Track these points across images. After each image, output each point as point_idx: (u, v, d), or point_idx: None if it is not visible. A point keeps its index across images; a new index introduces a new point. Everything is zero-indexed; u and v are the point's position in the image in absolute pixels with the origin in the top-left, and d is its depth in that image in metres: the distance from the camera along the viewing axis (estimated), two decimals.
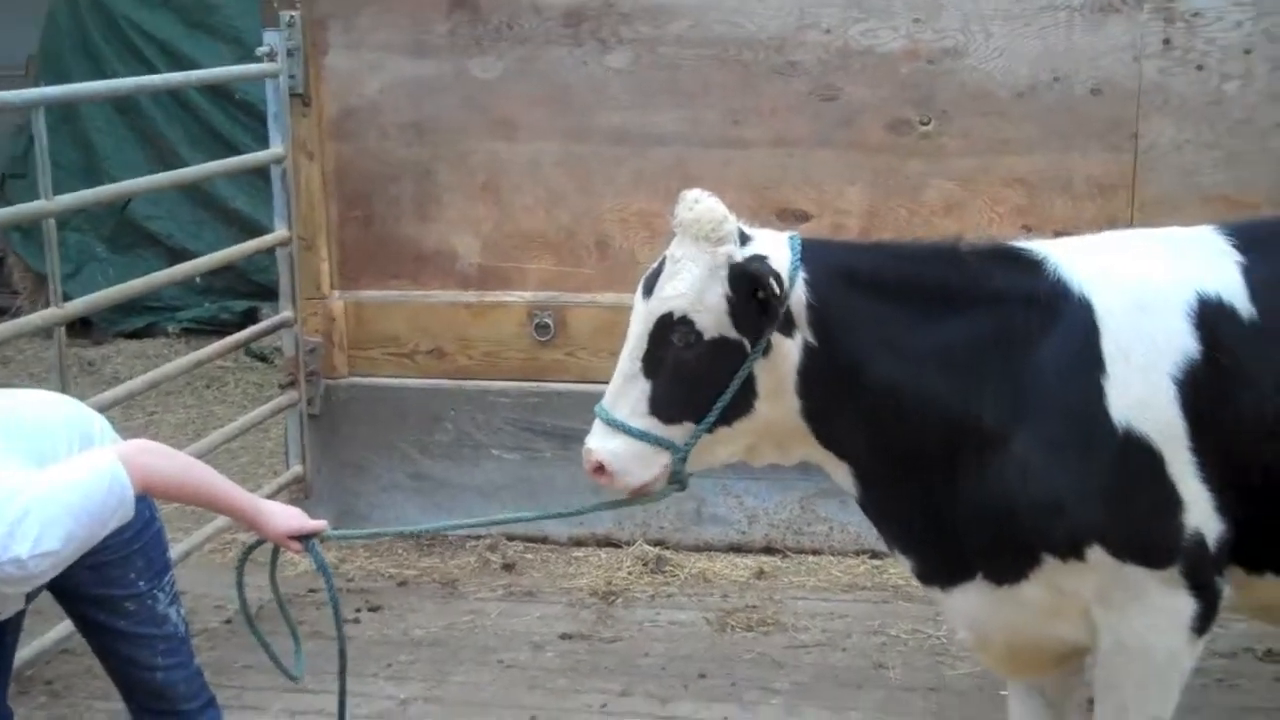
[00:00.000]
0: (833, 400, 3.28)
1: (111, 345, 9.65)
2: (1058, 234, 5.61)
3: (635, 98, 6.07)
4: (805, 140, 5.93)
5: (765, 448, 3.42)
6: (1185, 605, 3.20)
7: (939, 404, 3.22)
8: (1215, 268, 3.25)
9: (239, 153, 8.19)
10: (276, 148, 6.26)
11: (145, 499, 3.51)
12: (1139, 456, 3.13)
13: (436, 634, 5.50)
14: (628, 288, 6.05)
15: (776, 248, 3.29)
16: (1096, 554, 3.16)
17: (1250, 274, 3.22)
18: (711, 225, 3.22)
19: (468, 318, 6.33)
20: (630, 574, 5.91)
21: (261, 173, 7.01)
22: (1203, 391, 3.13)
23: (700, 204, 3.25)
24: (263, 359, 9.02)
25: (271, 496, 6.25)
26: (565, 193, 6.20)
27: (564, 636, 5.41)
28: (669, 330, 3.24)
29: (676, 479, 3.33)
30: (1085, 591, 3.22)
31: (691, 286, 3.22)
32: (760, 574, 5.87)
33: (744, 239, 3.29)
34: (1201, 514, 3.15)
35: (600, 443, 3.30)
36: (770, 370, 3.26)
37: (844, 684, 4.97)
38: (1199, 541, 3.16)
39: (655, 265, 3.35)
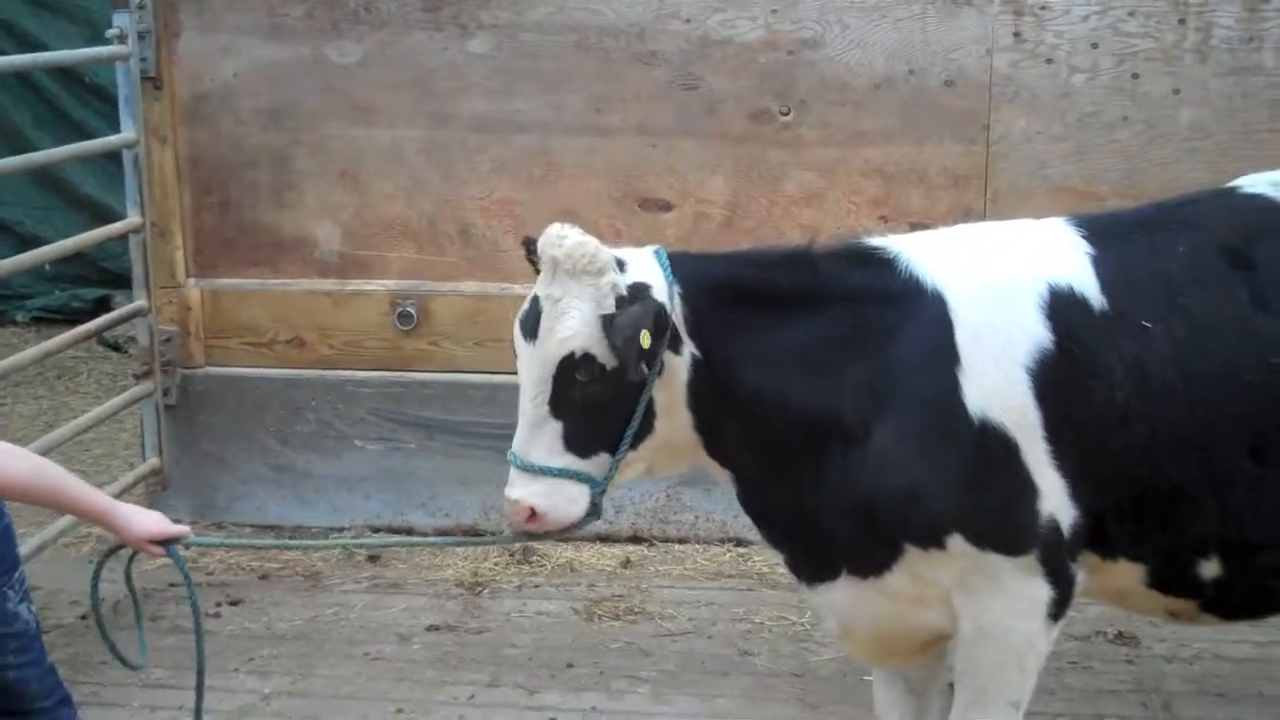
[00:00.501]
0: (716, 410, 3.35)
1: None
2: (914, 225, 5.76)
3: (497, 84, 6.04)
4: (668, 129, 5.96)
5: (662, 463, 3.48)
6: (1042, 591, 3.29)
7: (801, 405, 3.29)
8: (1066, 259, 3.33)
9: (90, 137, 7.96)
10: (128, 132, 6.11)
11: None
12: (994, 445, 3.21)
13: (300, 627, 5.44)
14: (491, 276, 6.15)
15: (650, 269, 3.32)
16: (956, 542, 3.24)
17: (1100, 265, 3.31)
18: (587, 259, 3.22)
19: (328, 306, 6.25)
20: (497, 565, 5.89)
21: (113, 158, 6.84)
22: (1055, 381, 3.21)
23: (568, 239, 3.25)
24: (116, 349, 8.80)
25: (128, 489, 6.15)
26: (427, 180, 6.15)
27: (430, 628, 5.38)
28: (573, 369, 3.25)
29: (594, 509, 3.37)
30: (946, 580, 3.29)
31: (585, 323, 3.22)
32: (627, 563, 5.90)
33: (620, 264, 3.30)
34: (1056, 501, 3.23)
35: (524, 489, 3.31)
36: (664, 388, 3.31)
37: (710, 671, 5.02)
38: (1054, 528, 3.24)
39: (527, 306, 3.33)
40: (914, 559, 3.28)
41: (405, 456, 6.21)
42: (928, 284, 3.29)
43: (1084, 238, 3.38)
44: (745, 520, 5.84)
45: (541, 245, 3.29)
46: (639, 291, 3.25)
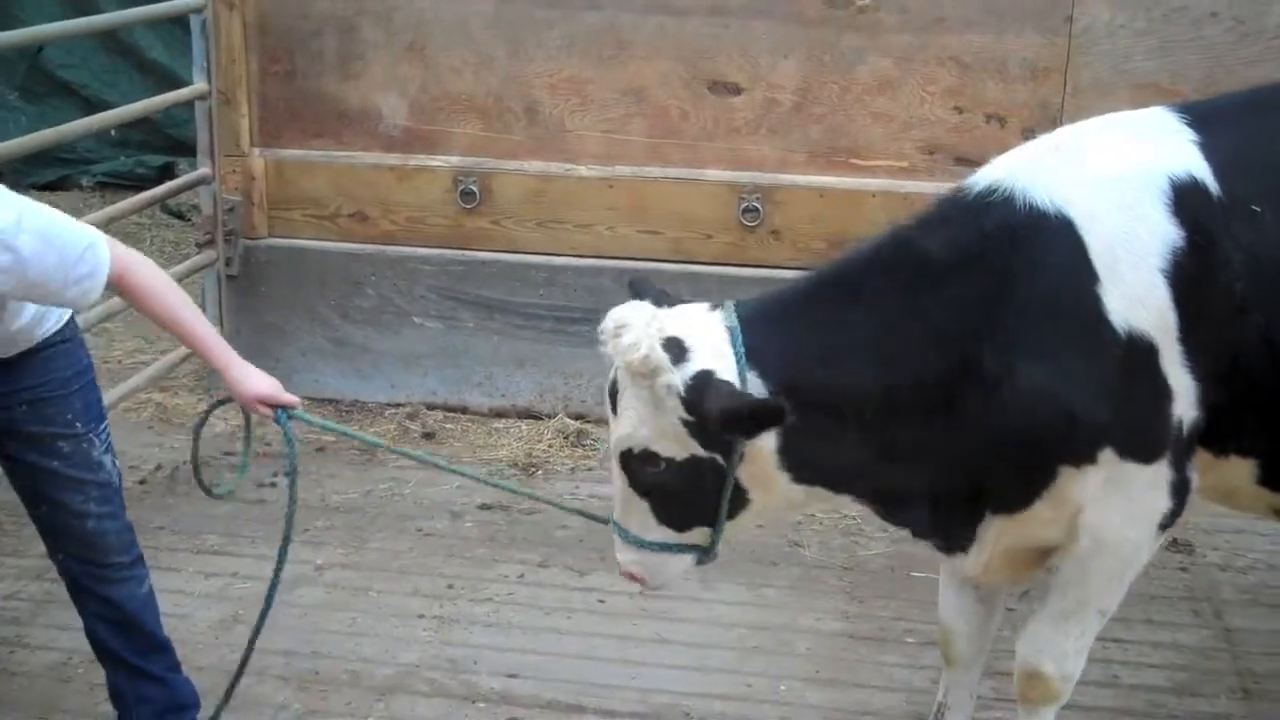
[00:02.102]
0: (825, 455, 3.21)
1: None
2: (989, 117, 5.62)
3: None
4: (741, 10, 5.83)
5: (782, 511, 3.52)
6: (1162, 501, 3.22)
7: (936, 386, 3.13)
8: (1178, 149, 3.21)
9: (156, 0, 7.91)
10: None
11: (83, 346, 3.57)
12: (1139, 352, 3.11)
13: (354, 500, 5.49)
14: (556, 156, 6.07)
15: (715, 348, 3.12)
16: (1106, 454, 3.16)
17: (1209, 151, 3.20)
18: (640, 366, 3.08)
19: (392, 181, 6.21)
20: (550, 446, 5.90)
21: (180, 22, 6.78)
22: (1188, 279, 3.11)
23: (621, 340, 3.11)
24: (180, 216, 8.82)
25: (187, 357, 6.20)
26: (494, 55, 6.06)
27: (482, 507, 5.41)
28: (638, 463, 3.20)
29: (704, 561, 3.42)
30: (1085, 495, 3.20)
31: (641, 422, 3.13)
32: None
33: (680, 351, 3.10)
34: (1185, 404, 3.16)
35: (625, 556, 3.37)
36: (750, 468, 3.19)
37: (759, 560, 5.02)
38: (1180, 431, 3.17)
39: (611, 376, 3.22)
40: (1066, 480, 3.18)
41: (463, 335, 6.21)
42: (1050, 210, 3.13)
43: (1187, 124, 3.26)
44: None
45: (602, 335, 3.18)
46: (701, 382, 3.07)
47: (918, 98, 5.78)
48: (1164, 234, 3.12)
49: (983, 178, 3.24)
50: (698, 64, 5.89)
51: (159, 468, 5.70)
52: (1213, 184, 3.16)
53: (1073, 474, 3.19)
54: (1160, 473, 3.20)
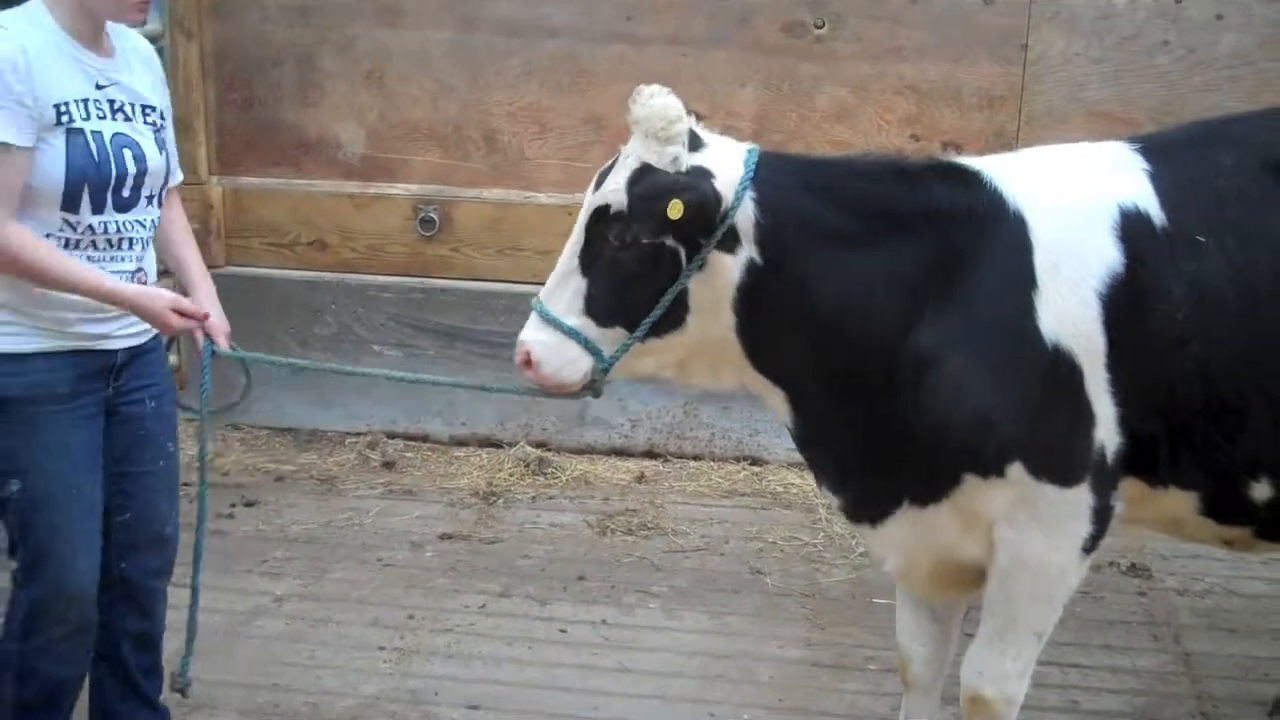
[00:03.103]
0: (775, 320, 3.21)
1: None
2: (945, 145, 5.66)
3: None
4: (700, 39, 5.86)
5: (697, 366, 3.35)
6: (1082, 525, 3.24)
7: (884, 325, 3.17)
8: (1130, 179, 3.26)
9: None
10: (153, 25, 6.01)
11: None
12: (1063, 371, 3.14)
13: (314, 531, 5.46)
14: (516, 184, 6.08)
15: (728, 161, 3.19)
16: (1016, 470, 3.18)
17: (1157, 182, 3.25)
18: (662, 123, 3.11)
19: (351, 209, 6.21)
20: (511, 475, 5.89)
21: None
22: (1123, 305, 3.15)
23: (655, 100, 3.13)
24: None
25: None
26: (453, 83, 6.07)
27: (444, 536, 5.39)
28: (605, 225, 3.15)
29: (594, 387, 3.27)
30: (993, 511, 3.24)
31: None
32: (641, 478, 5.90)
33: (696, 144, 3.18)
34: (1106, 430, 3.18)
35: (532, 334, 3.22)
36: (706, 285, 3.18)
37: (721, 589, 5.02)
38: (1102, 457, 3.19)
39: (610, 161, 3.25)
40: (970, 488, 3.21)
41: (424, 363, 6.19)
42: (1010, 204, 3.20)
43: (1140, 154, 3.32)
44: (761, 439, 5.96)
45: (632, 102, 3.17)
46: (697, 174, 3.13)
47: (875, 125, 5.83)
48: (1107, 259, 3.16)
49: (969, 160, 3.34)
50: None
51: None
52: (1159, 215, 3.20)
53: (979, 484, 3.20)
54: (1080, 497, 3.21)
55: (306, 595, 4.96)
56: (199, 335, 3.59)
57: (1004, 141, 5.66)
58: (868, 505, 3.37)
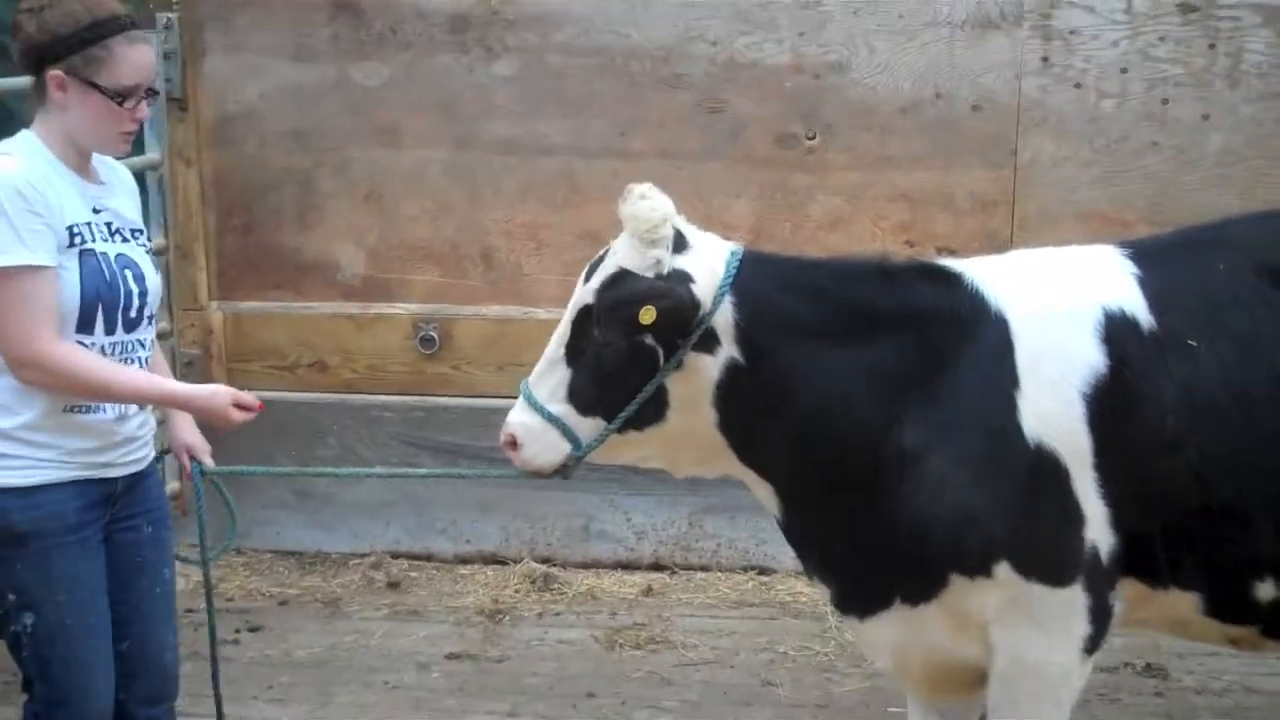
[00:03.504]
0: (756, 417, 3.26)
1: None
2: (940, 250, 5.71)
3: (522, 106, 6.02)
4: (693, 153, 5.92)
5: (683, 458, 3.41)
6: (1081, 624, 3.22)
7: (866, 424, 3.21)
8: (1117, 282, 3.29)
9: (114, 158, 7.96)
10: (153, 154, 6.10)
11: None
12: (1047, 471, 3.15)
13: (319, 654, 5.39)
14: (514, 300, 6.11)
15: (710, 263, 3.25)
16: (1003, 570, 3.17)
17: (1147, 286, 3.28)
18: (647, 226, 3.19)
19: (351, 330, 6.23)
20: (517, 592, 5.85)
21: (137, 179, 6.82)
22: (1109, 406, 3.16)
23: (642, 201, 3.21)
24: None
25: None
26: (451, 203, 6.13)
27: (450, 656, 5.33)
28: (589, 323, 3.23)
29: (564, 471, 3.34)
30: (985, 612, 3.23)
31: None
32: (649, 591, 5.85)
33: (681, 245, 3.24)
34: (1098, 529, 3.18)
35: (516, 417, 3.32)
36: (685, 383, 3.23)
37: (733, 701, 4.96)
38: (1095, 557, 3.18)
39: (602, 251, 3.32)
40: (959, 589, 3.21)
41: (426, 482, 6.17)
42: (991, 306, 3.25)
43: (1130, 259, 3.35)
44: (768, 548, 5.92)
45: (621, 198, 3.25)
46: (676, 279, 3.18)
47: (869, 233, 5.87)
48: (1090, 360, 3.18)
49: (952, 262, 3.39)
50: None
51: None
52: (1146, 318, 3.23)
53: (966, 585, 3.20)
54: (1074, 597, 3.19)
55: None
56: (185, 460, 3.67)
57: (998, 245, 5.68)
58: (856, 600, 3.36)
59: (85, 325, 3.30)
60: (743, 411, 3.25)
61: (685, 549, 6.06)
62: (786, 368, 3.22)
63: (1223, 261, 3.33)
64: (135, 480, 3.50)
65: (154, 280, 3.47)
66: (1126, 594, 3.28)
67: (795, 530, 3.41)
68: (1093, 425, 3.15)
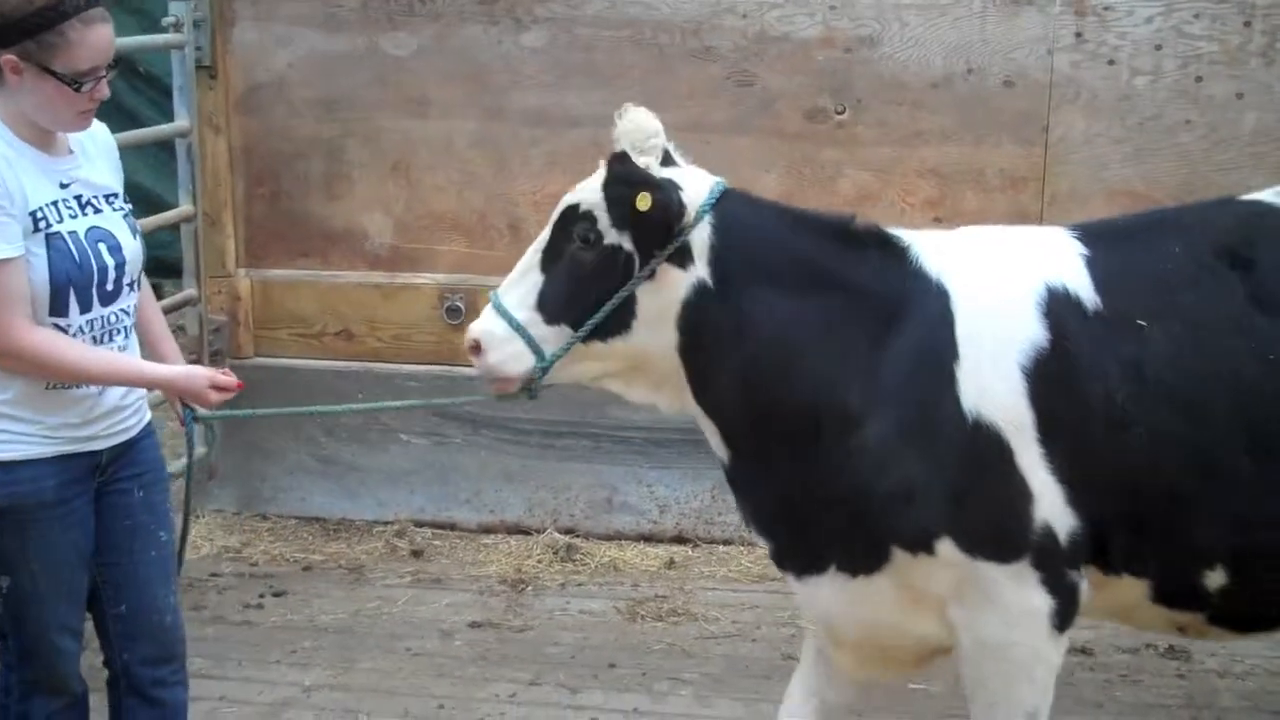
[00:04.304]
0: (714, 347, 3.28)
1: None
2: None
3: (551, 78, 6.01)
4: (722, 126, 5.90)
5: (640, 381, 3.41)
6: (1040, 601, 3.19)
7: (813, 374, 3.23)
8: (1063, 261, 3.28)
9: (141, 126, 7.97)
10: (182, 121, 6.11)
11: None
12: (987, 447, 3.13)
13: (342, 620, 5.42)
14: None
15: (696, 183, 3.32)
16: (946, 548, 3.16)
17: (1095, 266, 3.26)
18: (641, 136, 3.29)
19: (377, 299, 6.24)
20: (540, 562, 5.86)
21: (165, 147, 6.85)
22: (1051, 382, 3.14)
23: (635, 116, 3.32)
24: None
25: (174, 478, 6.15)
26: (479, 173, 6.13)
27: (473, 625, 5.36)
28: (572, 223, 3.29)
29: (531, 389, 3.36)
30: (939, 589, 3.21)
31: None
32: (671, 564, 5.86)
33: (669, 162, 3.34)
34: (1051, 507, 3.14)
35: (483, 324, 3.36)
36: (655, 296, 3.26)
37: (754, 674, 4.96)
38: (1048, 535, 3.15)
39: (570, 194, 3.38)
40: (903, 564, 3.20)
41: (451, 451, 6.19)
42: (934, 279, 3.25)
43: (1080, 240, 3.34)
44: None
45: (616, 117, 3.35)
46: (666, 183, 3.26)
47: (898, 209, 5.85)
48: (1030, 334, 3.16)
49: (904, 233, 3.38)
50: None
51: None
52: (1092, 297, 3.20)
53: (909, 561, 3.19)
54: (1026, 573, 3.16)
55: (336, 685, 4.92)
56: (178, 404, 3.63)
57: (1028, 222, 5.66)
58: (793, 559, 3.37)
59: (58, 308, 3.30)
60: (703, 338, 3.28)
61: (708, 522, 6.06)
62: (748, 302, 3.25)
63: (1179, 244, 3.30)
64: (125, 447, 3.51)
65: (133, 247, 3.45)
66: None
67: (738, 479, 3.41)
68: (1034, 400, 3.12)
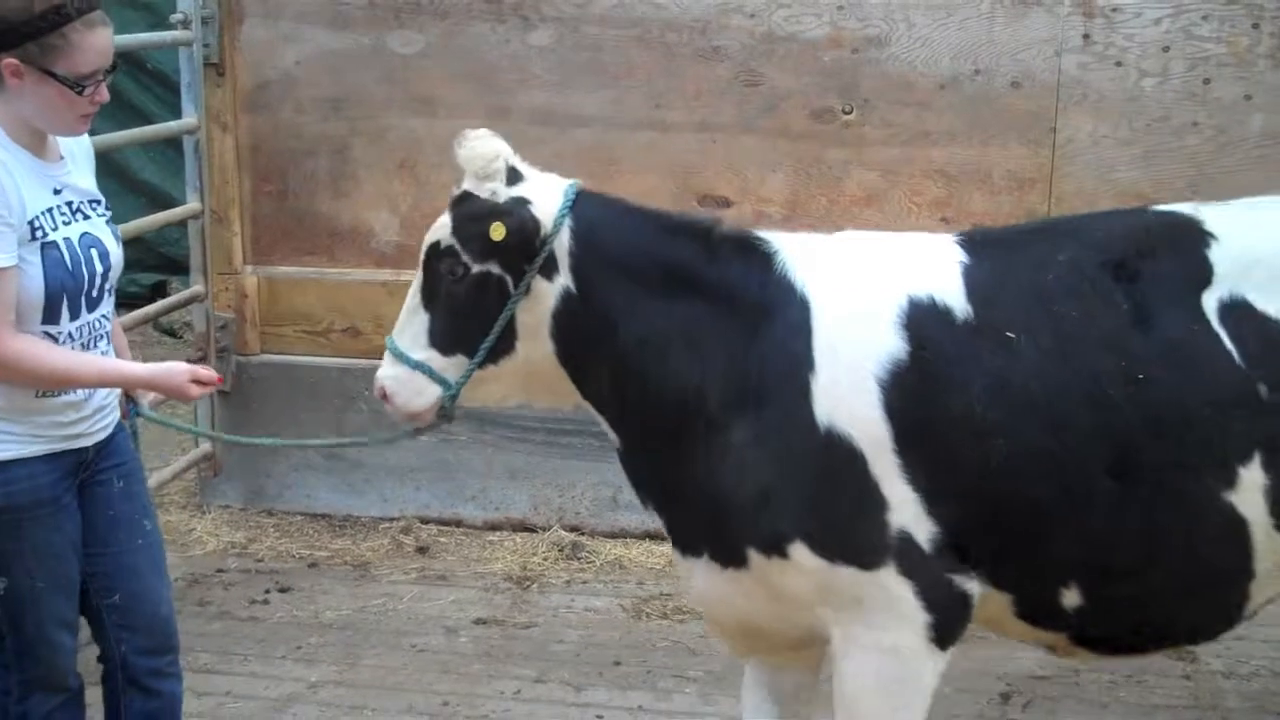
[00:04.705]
0: (585, 350, 3.32)
1: None
2: (976, 226, 5.67)
3: (558, 77, 6.01)
4: (729, 126, 5.91)
5: (537, 389, 3.45)
6: (910, 609, 3.15)
7: (677, 382, 3.24)
8: (936, 270, 3.24)
9: (149, 123, 8.00)
10: (189, 118, 6.14)
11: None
12: (840, 456, 3.11)
13: (348, 617, 5.43)
14: None
15: (547, 194, 3.32)
16: (800, 553, 3.15)
17: (971, 275, 3.22)
18: (481, 162, 3.30)
19: (383, 296, 6.23)
20: (546, 559, 5.87)
21: (173, 144, 6.88)
22: (909, 394, 3.11)
23: (473, 141, 3.32)
24: (172, 334, 8.85)
25: (180, 474, 6.20)
26: None
27: (478, 621, 5.36)
28: (438, 261, 3.31)
29: (445, 413, 3.39)
30: (800, 590, 3.20)
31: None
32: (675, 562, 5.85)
33: (515, 179, 3.33)
34: (909, 516, 3.11)
35: (385, 370, 3.40)
36: (529, 311, 3.29)
37: None
38: (907, 542, 3.12)
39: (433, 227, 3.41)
40: (759, 565, 3.20)
41: (456, 448, 6.20)
42: (798, 287, 3.24)
43: (962, 246, 3.30)
44: None
45: (456, 144, 3.36)
46: (514, 203, 3.26)
47: (904, 209, 5.85)
48: (888, 347, 3.13)
49: (771, 236, 3.37)
50: (687, 178, 5.97)
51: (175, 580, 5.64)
52: (962, 307, 3.17)
53: (764, 564, 3.19)
54: (889, 581, 3.13)
55: (341, 682, 4.93)
56: (123, 401, 3.65)
57: None
58: (678, 539, 3.40)
59: (51, 316, 3.31)
60: (575, 343, 3.31)
61: None
62: (610, 304, 3.27)
63: (1067, 253, 3.23)
64: (104, 441, 3.52)
65: (116, 253, 3.46)
66: None
67: (628, 464, 3.44)
68: (890, 412, 3.10)
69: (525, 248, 3.24)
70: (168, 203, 7.72)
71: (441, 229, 3.32)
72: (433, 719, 4.67)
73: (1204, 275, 3.19)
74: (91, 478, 3.51)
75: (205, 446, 6.31)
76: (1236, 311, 3.16)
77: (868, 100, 5.82)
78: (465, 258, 3.26)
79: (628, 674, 4.96)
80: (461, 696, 4.81)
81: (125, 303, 8.50)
